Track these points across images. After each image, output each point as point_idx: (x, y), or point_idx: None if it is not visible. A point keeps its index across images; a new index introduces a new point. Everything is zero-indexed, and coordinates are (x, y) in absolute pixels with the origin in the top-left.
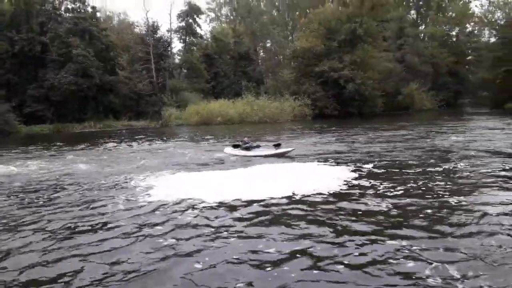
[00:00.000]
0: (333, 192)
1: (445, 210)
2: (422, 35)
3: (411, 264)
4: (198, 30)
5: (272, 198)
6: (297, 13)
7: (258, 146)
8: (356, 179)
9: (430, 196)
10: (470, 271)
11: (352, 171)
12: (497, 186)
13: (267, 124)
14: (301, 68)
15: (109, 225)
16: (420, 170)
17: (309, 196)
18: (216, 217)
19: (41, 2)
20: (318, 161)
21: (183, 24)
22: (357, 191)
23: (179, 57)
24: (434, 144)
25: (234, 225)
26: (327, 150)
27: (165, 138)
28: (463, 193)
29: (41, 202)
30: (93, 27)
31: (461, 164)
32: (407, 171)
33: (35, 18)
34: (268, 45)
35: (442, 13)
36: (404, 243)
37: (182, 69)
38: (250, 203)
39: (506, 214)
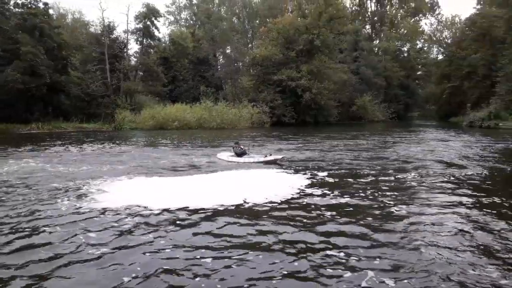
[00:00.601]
0: (284, 200)
1: (387, 219)
2: (376, 49)
3: (347, 274)
4: (156, 32)
5: (221, 205)
6: (257, 21)
7: (245, 153)
8: (309, 186)
9: (376, 206)
10: (405, 281)
11: (308, 178)
12: (440, 196)
13: (225, 130)
14: (260, 76)
15: (41, 230)
16: (371, 179)
17: (258, 204)
18: (156, 225)
19: None
20: (277, 169)
21: (140, 26)
22: (306, 200)
23: (135, 59)
24: (386, 154)
25: (172, 233)
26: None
27: (117, 142)
28: (407, 203)
29: None
30: (44, 24)
31: (410, 174)
32: (359, 180)
33: None
34: (228, 51)
35: (395, 29)
36: (342, 253)
37: (138, 71)
38: (195, 211)
39: (443, 225)
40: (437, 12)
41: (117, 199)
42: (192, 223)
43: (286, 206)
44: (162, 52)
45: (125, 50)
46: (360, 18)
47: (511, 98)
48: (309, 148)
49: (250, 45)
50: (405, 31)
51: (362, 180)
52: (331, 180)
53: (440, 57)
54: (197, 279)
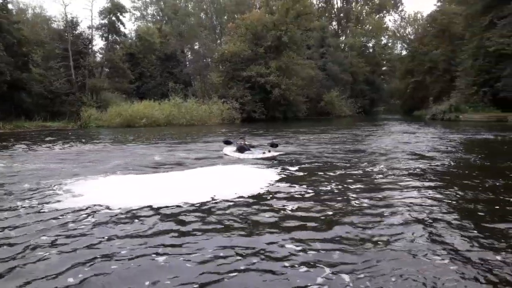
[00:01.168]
0: (252, 195)
1: (349, 213)
2: (342, 45)
3: (303, 269)
4: (121, 28)
5: (185, 204)
6: (225, 17)
7: (249, 148)
8: (279, 181)
9: (340, 199)
10: (362, 278)
11: (279, 173)
12: (405, 189)
13: (195, 127)
14: (229, 72)
15: None
16: (340, 172)
17: (227, 200)
18: (114, 225)
19: None
20: (250, 164)
21: (105, 21)
22: (275, 194)
23: (101, 56)
24: (354, 148)
25: (129, 233)
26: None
27: (83, 141)
28: (372, 196)
29: None
30: (3, 19)
31: (376, 166)
32: (328, 173)
33: None
34: (196, 47)
35: (360, 26)
36: (299, 248)
37: (104, 68)
38: (156, 209)
39: (407, 222)
40: (400, 9)
41: (80, 199)
42: (150, 222)
43: (254, 201)
44: (128, 48)
45: (89, 46)
46: (326, 14)
47: (470, 92)
48: (280, 143)
49: (218, 41)
50: (370, 28)
51: (330, 173)
52: (301, 173)
53: (404, 52)
54: (149, 276)
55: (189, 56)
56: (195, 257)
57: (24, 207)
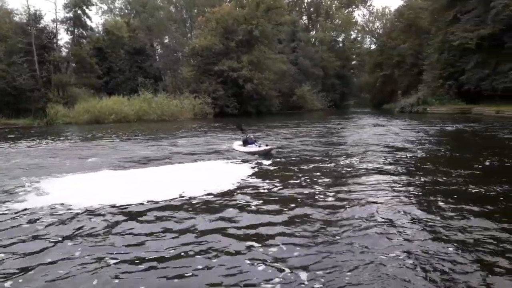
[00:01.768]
0: (220, 192)
1: (317, 208)
2: (313, 39)
3: (261, 267)
4: (88, 22)
5: (150, 202)
6: (195, 10)
7: (254, 141)
8: (251, 176)
9: (310, 193)
10: (319, 274)
11: (252, 168)
12: (372, 183)
13: (166, 122)
14: (201, 66)
15: None
16: (312, 165)
17: (195, 197)
18: (70, 225)
19: None
20: (226, 160)
21: (70, 14)
22: (244, 190)
23: (66, 50)
24: (326, 141)
25: (84, 233)
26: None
27: (50, 138)
28: (342, 190)
29: None
30: None
31: (348, 159)
32: (301, 166)
33: None
34: (166, 41)
35: (330, 20)
36: (261, 245)
37: (70, 63)
38: (120, 208)
39: (369, 216)
40: (368, 3)
41: (43, 199)
42: (110, 222)
43: (221, 198)
44: (95, 43)
45: (54, 41)
46: (296, 9)
47: (436, 85)
48: (255, 137)
49: (189, 35)
50: (340, 22)
51: (303, 167)
52: (273, 168)
53: (373, 47)
54: (99, 278)
55: (159, 50)
56: (151, 257)
57: None
